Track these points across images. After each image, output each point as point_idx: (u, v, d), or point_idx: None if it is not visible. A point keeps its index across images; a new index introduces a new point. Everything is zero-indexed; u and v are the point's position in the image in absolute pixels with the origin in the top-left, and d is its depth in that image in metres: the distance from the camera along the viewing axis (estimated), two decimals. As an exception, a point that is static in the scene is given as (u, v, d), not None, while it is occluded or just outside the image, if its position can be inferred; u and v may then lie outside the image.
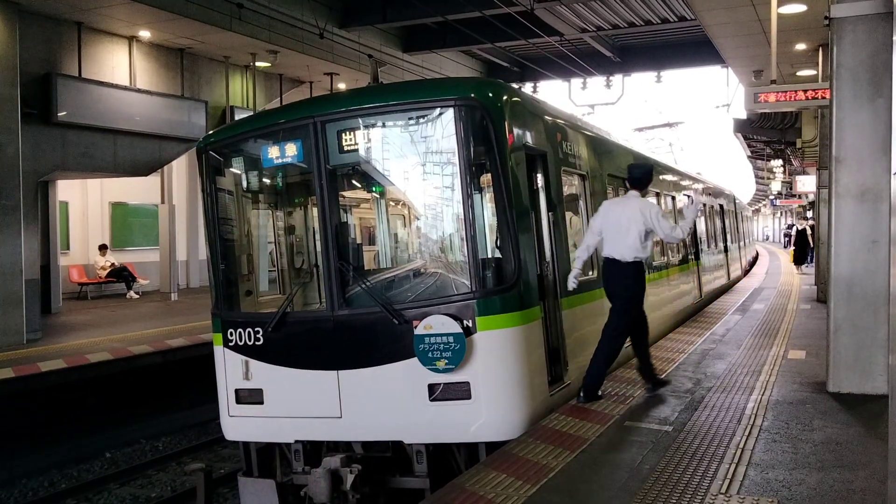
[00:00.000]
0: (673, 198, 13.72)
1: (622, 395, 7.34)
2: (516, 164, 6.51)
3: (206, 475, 7.33)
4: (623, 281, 7.18)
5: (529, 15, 17.84)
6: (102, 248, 20.71)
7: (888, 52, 6.81)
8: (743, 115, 25.36)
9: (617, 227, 7.14)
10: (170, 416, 12.57)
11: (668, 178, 13.90)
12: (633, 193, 7.41)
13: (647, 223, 7.10)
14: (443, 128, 6.41)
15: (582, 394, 7.05)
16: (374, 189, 8.49)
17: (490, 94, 6.51)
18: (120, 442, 11.52)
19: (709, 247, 17.15)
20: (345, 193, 7.83)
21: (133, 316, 17.06)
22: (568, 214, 8.04)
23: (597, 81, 25.72)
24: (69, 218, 20.78)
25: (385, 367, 6.31)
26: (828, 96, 8.51)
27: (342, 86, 21.27)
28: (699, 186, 17.36)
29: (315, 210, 7.20)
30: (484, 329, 6.10)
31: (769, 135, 26.87)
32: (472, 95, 6.38)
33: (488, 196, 6.44)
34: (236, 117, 18.29)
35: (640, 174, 7.45)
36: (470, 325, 6.08)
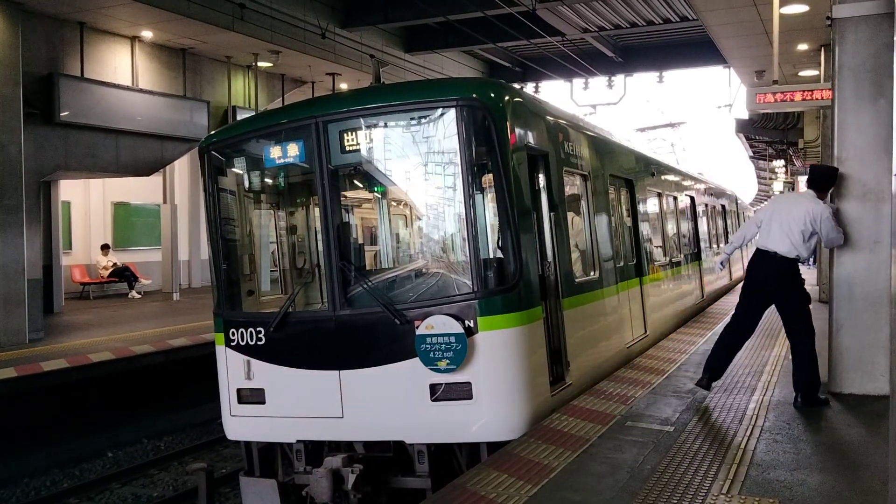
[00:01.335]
0: (675, 198, 13.70)
1: (623, 396, 7.34)
2: (518, 165, 6.51)
3: (207, 475, 7.32)
4: (778, 277, 6.99)
5: (531, 15, 17.83)
6: (104, 247, 20.73)
7: (890, 52, 6.80)
8: (745, 116, 25.35)
9: (781, 221, 7.00)
10: (171, 416, 12.59)
11: (670, 178, 13.89)
12: (809, 193, 7.21)
13: (815, 225, 6.90)
14: (444, 128, 6.41)
15: (800, 399, 6.93)
16: (375, 189, 8.50)
17: (492, 95, 6.50)
18: (122, 441, 11.53)
19: (711, 247, 17.14)
20: (346, 193, 7.83)
21: (135, 316, 17.08)
22: (570, 214, 8.03)
23: (599, 81, 25.77)
24: (71, 218, 20.78)
25: (387, 367, 6.31)
26: (830, 97, 8.50)
27: (344, 86, 21.27)
28: (701, 187, 17.34)
29: (317, 210, 7.20)
30: (485, 329, 6.09)
31: (771, 135, 26.85)
32: (474, 96, 6.37)
33: (490, 196, 6.43)
34: (238, 117, 18.33)
35: (818, 176, 7.26)
36: (471, 325, 6.07)
